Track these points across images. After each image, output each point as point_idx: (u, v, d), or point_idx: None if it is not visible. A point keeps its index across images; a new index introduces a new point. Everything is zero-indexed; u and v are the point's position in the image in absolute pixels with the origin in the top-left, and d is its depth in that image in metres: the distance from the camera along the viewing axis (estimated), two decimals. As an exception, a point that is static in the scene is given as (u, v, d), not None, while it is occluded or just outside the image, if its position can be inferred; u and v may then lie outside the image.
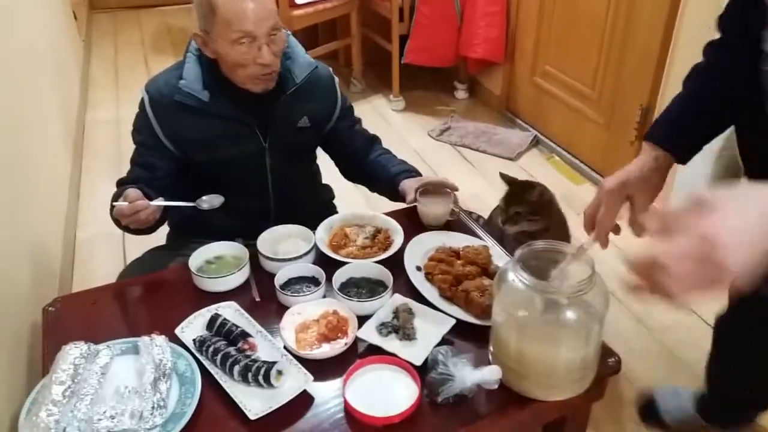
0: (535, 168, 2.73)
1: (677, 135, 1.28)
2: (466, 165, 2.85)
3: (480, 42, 3.05)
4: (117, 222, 1.46)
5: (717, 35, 1.28)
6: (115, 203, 1.43)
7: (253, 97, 1.56)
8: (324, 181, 1.95)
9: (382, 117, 3.32)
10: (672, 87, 2.18)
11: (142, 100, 1.57)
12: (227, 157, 1.60)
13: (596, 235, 1.27)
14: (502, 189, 1.81)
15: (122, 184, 1.59)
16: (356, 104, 3.37)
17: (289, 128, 1.64)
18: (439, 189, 1.64)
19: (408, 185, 1.65)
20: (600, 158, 2.64)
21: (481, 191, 2.53)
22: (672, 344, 1.92)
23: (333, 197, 1.96)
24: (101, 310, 1.45)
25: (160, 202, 1.45)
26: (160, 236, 1.69)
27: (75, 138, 2.83)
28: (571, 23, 2.64)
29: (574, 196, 2.60)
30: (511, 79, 3.16)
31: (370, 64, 3.67)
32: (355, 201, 2.04)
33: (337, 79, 1.75)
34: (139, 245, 1.71)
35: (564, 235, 1.89)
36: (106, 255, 2.13)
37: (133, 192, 1.42)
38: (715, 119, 1.29)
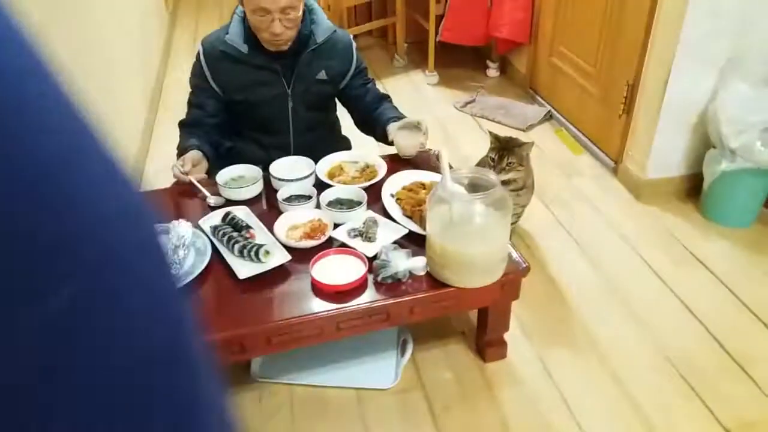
0: (542, 138, 3.04)
1: None
2: (480, 133, 3.20)
3: (506, 23, 3.38)
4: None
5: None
6: (176, 163, 1.92)
7: (282, 51, 1.98)
8: (344, 133, 2.37)
9: (416, 89, 3.71)
10: (653, 66, 2.46)
11: (198, 51, 2.04)
12: (258, 98, 2.03)
13: None
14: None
15: (183, 125, 2.08)
16: (395, 78, 3.86)
17: (309, 79, 2.05)
18: (411, 127, 2.02)
19: (391, 126, 2.05)
20: (597, 130, 2.93)
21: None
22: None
23: (350, 147, 2.37)
24: (154, 205, 1.94)
25: (194, 178, 1.91)
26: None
27: (153, 93, 3.40)
28: (581, 9, 2.93)
29: (570, 164, 2.91)
30: (534, 59, 3.47)
31: (415, 42, 4.05)
32: (373, 152, 2.38)
33: (354, 44, 2.14)
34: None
35: (532, 186, 2.24)
36: (167, 183, 2.63)
37: (190, 157, 1.91)
38: None
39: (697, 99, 2.43)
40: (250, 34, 1.96)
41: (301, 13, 1.94)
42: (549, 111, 3.31)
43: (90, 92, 2.12)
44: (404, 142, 2.01)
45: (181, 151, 2.00)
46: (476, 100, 3.48)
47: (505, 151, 2.09)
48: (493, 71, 3.83)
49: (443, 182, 1.53)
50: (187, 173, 1.89)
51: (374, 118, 2.13)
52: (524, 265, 1.66)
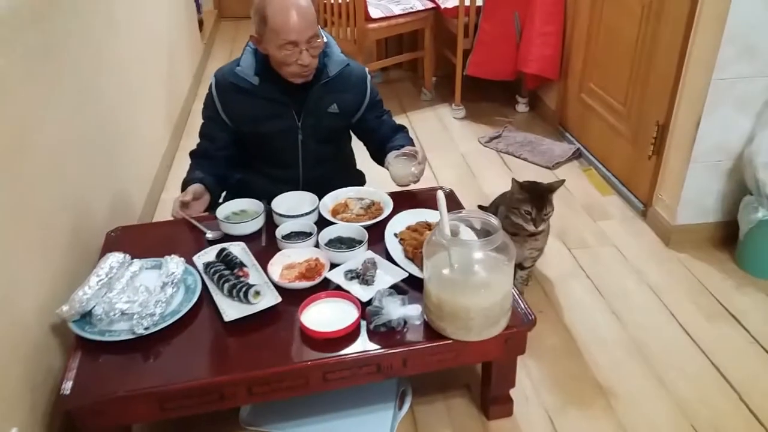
0: (569, 177, 2.90)
1: None
2: (504, 169, 3.09)
3: (534, 59, 3.28)
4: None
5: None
6: (174, 203, 1.89)
7: (293, 84, 1.92)
8: (359, 168, 2.30)
9: (441, 123, 3.63)
10: (684, 106, 2.32)
11: (211, 83, 2.01)
12: (267, 130, 1.98)
13: None
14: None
15: (193, 155, 2.06)
16: (422, 111, 3.79)
17: (320, 112, 1.99)
18: (407, 156, 1.94)
19: (390, 155, 1.97)
20: (626, 171, 2.79)
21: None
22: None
23: (364, 182, 2.29)
24: (149, 238, 1.89)
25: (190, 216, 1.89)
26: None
27: (177, 122, 3.40)
28: (611, 45, 2.82)
29: (597, 206, 2.77)
30: (564, 95, 3.36)
31: (444, 76, 3.99)
32: (388, 188, 2.26)
33: (369, 77, 2.08)
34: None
35: (549, 227, 2.11)
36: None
37: (192, 190, 1.88)
38: None
39: (732, 142, 2.29)
40: (262, 67, 1.92)
41: (324, 40, 1.90)
42: (578, 149, 3.18)
43: (105, 117, 2.08)
44: (396, 171, 1.93)
45: (185, 183, 1.97)
46: (502, 135, 3.37)
47: (542, 201, 1.94)
48: (522, 106, 3.73)
49: (441, 226, 1.43)
50: (186, 206, 1.85)
51: (386, 150, 2.06)
52: (531, 318, 1.54)
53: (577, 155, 3.17)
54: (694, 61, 2.25)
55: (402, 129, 2.15)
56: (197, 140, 2.08)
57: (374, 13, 3.50)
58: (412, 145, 2.07)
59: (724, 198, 2.39)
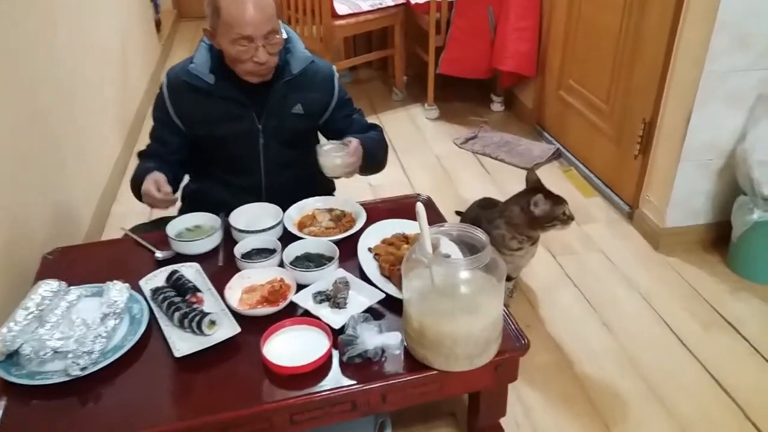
0: (549, 178, 2.75)
1: None
2: (481, 171, 2.93)
3: (510, 55, 3.13)
4: (136, 192, 1.72)
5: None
6: (143, 186, 1.65)
7: (253, 83, 1.74)
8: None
9: (414, 124, 3.46)
10: (673, 101, 2.19)
11: (162, 82, 1.81)
12: (225, 134, 1.79)
13: None
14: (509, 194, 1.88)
15: (141, 155, 1.85)
16: (393, 112, 3.61)
17: (283, 113, 1.81)
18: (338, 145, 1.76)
19: (321, 142, 1.80)
20: (610, 172, 2.65)
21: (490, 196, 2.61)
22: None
23: (333, 188, 2.11)
24: (91, 260, 1.68)
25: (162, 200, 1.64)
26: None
27: (132, 127, 3.16)
28: (591, 39, 2.68)
29: (580, 208, 2.62)
30: (541, 93, 3.21)
31: (415, 75, 3.81)
32: (360, 195, 2.10)
33: (336, 75, 1.90)
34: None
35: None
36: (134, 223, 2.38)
37: (158, 178, 1.66)
38: None
39: (724, 139, 2.16)
40: (217, 64, 1.74)
41: (284, 36, 1.72)
42: (557, 149, 3.04)
43: (43, 123, 1.84)
44: (322, 161, 1.73)
45: (137, 177, 1.74)
46: (478, 136, 3.22)
47: (557, 197, 1.78)
48: (497, 105, 3.58)
49: (422, 242, 1.26)
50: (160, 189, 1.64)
51: None
52: (524, 342, 1.38)
53: (556, 155, 3.03)
54: (683, 53, 2.12)
55: (375, 128, 1.96)
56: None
57: (341, 9, 3.31)
58: (384, 145, 1.90)
59: (714, 198, 2.26)
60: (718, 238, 2.31)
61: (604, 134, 2.66)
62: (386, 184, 2.70)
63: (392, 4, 3.45)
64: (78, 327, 1.34)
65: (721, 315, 2.03)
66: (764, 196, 2.03)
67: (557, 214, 1.77)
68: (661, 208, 2.30)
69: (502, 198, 1.96)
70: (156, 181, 1.66)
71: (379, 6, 3.42)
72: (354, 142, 1.73)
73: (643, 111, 2.34)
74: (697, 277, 2.20)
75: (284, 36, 1.75)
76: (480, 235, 1.30)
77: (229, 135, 1.79)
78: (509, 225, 1.81)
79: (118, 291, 1.43)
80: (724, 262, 2.26)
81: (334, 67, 1.93)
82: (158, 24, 4.65)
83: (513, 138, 3.18)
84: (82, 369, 1.26)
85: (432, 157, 3.09)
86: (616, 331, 1.97)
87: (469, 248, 1.33)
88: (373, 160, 1.84)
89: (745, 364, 1.85)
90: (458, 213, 2.28)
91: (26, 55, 1.97)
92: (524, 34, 3.10)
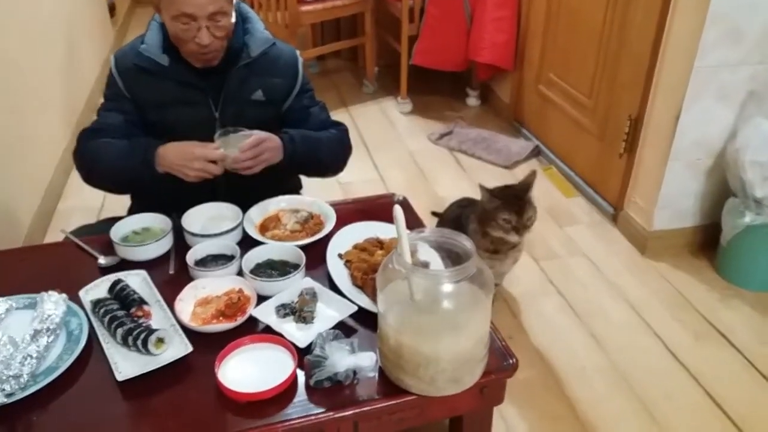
0: (529, 178, 2.64)
1: None
2: (458, 170, 2.79)
3: (486, 46, 2.99)
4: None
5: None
6: (184, 149, 1.49)
7: (209, 67, 1.57)
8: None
9: (386, 118, 3.30)
10: (661, 97, 2.08)
11: (111, 65, 1.62)
12: (177, 120, 1.61)
13: None
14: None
15: (85, 132, 1.64)
16: (364, 105, 3.43)
17: (242, 99, 1.64)
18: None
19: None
20: (593, 171, 2.54)
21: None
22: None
23: (300, 187, 1.94)
24: (26, 267, 1.48)
25: None
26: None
27: (80, 117, 2.94)
28: (573, 30, 2.56)
29: (561, 209, 2.50)
30: (519, 87, 3.08)
31: (387, 66, 3.65)
32: (330, 195, 1.97)
33: (301, 60, 1.73)
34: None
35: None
36: (80, 222, 2.17)
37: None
38: None
39: (713, 137, 2.05)
40: (171, 44, 1.56)
41: (233, 20, 1.55)
42: (536, 146, 2.91)
43: None
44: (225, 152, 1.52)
45: (137, 150, 1.54)
46: (454, 131, 3.07)
47: (520, 205, 1.63)
48: (473, 100, 3.44)
49: (400, 250, 1.10)
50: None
51: None
52: (511, 362, 1.23)
53: (536, 153, 2.90)
54: (672, 46, 2.00)
55: (337, 125, 1.76)
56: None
57: (308, -6, 3.13)
58: (338, 148, 1.73)
59: (703, 199, 2.16)
60: (706, 242, 2.21)
61: (586, 131, 2.54)
62: (357, 181, 2.54)
63: (363, -10, 3.29)
64: (4, 346, 1.15)
65: (713, 325, 1.93)
66: (756, 198, 1.93)
67: (495, 215, 1.63)
68: (647, 210, 2.19)
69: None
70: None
71: (349, -9, 3.24)
72: (255, 136, 1.52)
73: (629, 107, 2.22)
74: (686, 284, 2.09)
75: (233, 20, 1.56)
76: (464, 242, 1.14)
77: (180, 121, 1.61)
78: (479, 221, 1.67)
79: (53, 303, 1.24)
80: (712, 266, 2.16)
81: (298, 51, 1.76)
82: (112, 9, 4.40)
83: (490, 134, 3.04)
84: (8, 396, 1.08)
85: (405, 153, 2.94)
86: (603, 344, 1.85)
87: (451, 257, 1.18)
88: (312, 162, 1.67)
89: (739, 378, 1.75)
90: (435, 214, 2.13)
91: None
92: (502, 24, 2.96)
